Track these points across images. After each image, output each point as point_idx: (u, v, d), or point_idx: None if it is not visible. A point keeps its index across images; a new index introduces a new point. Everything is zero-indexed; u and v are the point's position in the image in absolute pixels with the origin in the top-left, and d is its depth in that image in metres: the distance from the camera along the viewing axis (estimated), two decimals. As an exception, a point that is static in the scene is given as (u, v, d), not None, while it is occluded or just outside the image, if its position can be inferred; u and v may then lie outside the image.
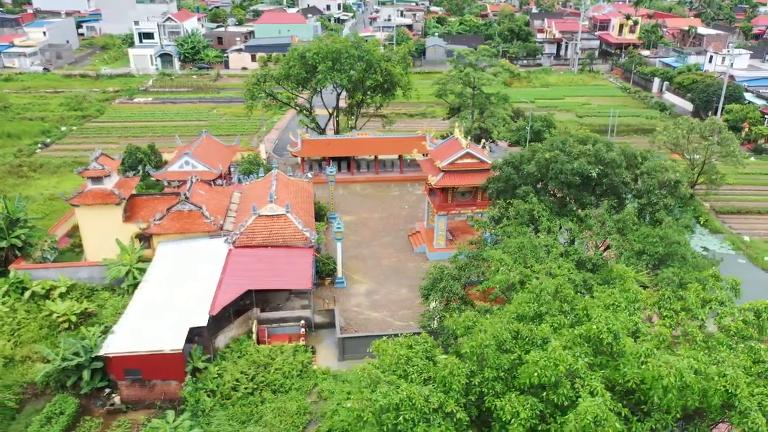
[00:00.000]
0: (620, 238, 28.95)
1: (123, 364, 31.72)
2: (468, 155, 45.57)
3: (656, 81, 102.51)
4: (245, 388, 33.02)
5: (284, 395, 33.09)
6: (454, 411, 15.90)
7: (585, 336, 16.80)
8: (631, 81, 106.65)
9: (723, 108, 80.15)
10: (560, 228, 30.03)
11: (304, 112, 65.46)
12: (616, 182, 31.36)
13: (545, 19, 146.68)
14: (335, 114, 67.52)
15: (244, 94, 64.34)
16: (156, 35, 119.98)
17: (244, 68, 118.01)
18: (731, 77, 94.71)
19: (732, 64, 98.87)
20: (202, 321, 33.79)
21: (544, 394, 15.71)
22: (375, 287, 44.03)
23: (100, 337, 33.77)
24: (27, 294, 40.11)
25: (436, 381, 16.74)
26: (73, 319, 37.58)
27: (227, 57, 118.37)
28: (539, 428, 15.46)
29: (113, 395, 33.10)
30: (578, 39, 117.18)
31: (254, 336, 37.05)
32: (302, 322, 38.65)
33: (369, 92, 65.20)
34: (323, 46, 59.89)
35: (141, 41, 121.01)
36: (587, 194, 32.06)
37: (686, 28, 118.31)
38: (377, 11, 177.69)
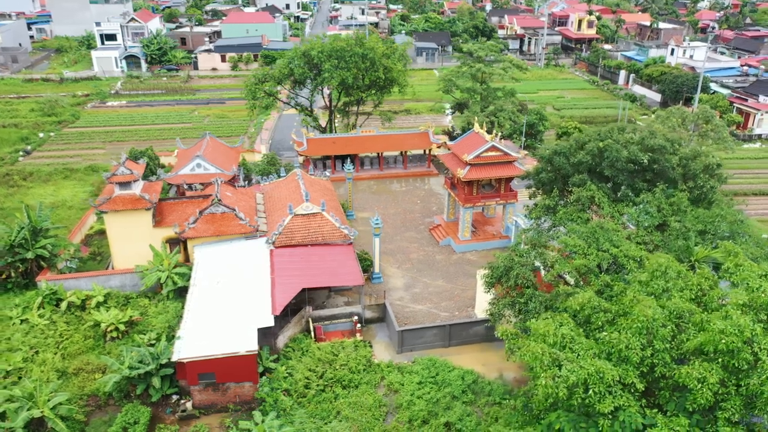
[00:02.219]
0: (679, 219, 30.79)
1: (197, 369, 31.32)
2: (493, 148, 46.85)
3: (622, 73, 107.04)
4: (317, 386, 33.23)
5: (354, 390, 33.44)
6: (634, 382, 16.97)
7: (748, 305, 18.21)
8: (598, 74, 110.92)
9: (692, 98, 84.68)
10: (620, 213, 31.68)
11: (306, 111, 65.24)
12: (667, 167, 33.29)
13: (505, 16, 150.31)
14: (331, 113, 67.56)
15: (245, 95, 63.58)
16: (119, 36, 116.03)
17: (213, 69, 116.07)
18: (692, 68, 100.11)
19: (692, 56, 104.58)
20: (269, 321, 33.77)
21: (720, 360, 16.99)
22: (411, 281, 44.70)
23: (166, 343, 33.19)
24: (64, 305, 38.81)
25: (611, 355, 17.76)
26: (122, 327, 36.66)
27: (196, 58, 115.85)
28: (719, 391, 16.72)
29: (182, 401, 32.64)
30: (544, 35, 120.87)
31: (312, 334, 37.18)
32: (355, 317, 39.01)
33: (365, 90, 65.55)
34: (327, 44, 59.98)
35: (103, 43, 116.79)
36: (638, 180, 33.85)
37: (648, 23, 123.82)
38: (336, 9, 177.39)
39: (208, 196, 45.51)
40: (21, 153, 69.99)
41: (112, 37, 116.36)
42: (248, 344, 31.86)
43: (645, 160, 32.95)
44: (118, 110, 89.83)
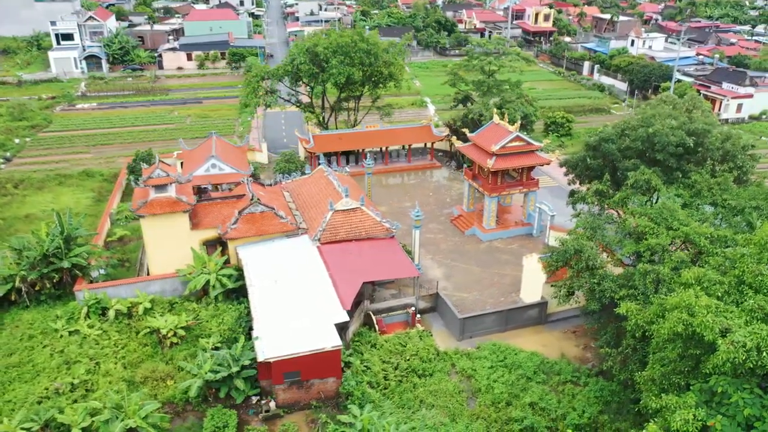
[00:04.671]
0: (732, 197, 33.04)
1: (282, 368, 31.15)
2: (518, 138, 48.31)
3: (586, 64, 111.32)
4: (394, 377, 33.75)
5: (430, 378, 34.14)
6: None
7: None
8: (564, 66, 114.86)
9: (659, 86, 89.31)
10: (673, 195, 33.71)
11: (309, 108, 64.87)
12: (711, 150, 35.56)
13: (463, 11, 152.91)
14: (333, 110, 67.45)
15: (247, 93, 62.55)
16: (76, 36, 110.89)
17: (179, 68, 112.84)
18: (652, 58, 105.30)
19: (651, 46, 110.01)
20: (343, 316, 33.93)
21: None
22: (448, 271, 45.57)
23: (243, 345, 32.83)
24: (111, 313, 37.53)
25: (764, 320, 19.28)
26: (180, 333, 35.87)
27: (160, 57, 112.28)
28: None
29: (263, 401, 32.37)
30: (508, 28, 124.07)
31: (376, 326, 37.55)
32: (412, 308, 39.59)
33: (363, 85, 65.72)
34: (332, 40, 59.89)
35: (59, 43, 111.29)
36: (684, 162, 36.00)
37: (602, 16, 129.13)
38: (290, 6, 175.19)
39: (240, 196, 44.88)
40: (1, 160, 66.37)
41: (68, 36, 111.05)
42: (332, 340, 31.96)
43: (691, 144, 35.13)
44: (91, 113, 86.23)
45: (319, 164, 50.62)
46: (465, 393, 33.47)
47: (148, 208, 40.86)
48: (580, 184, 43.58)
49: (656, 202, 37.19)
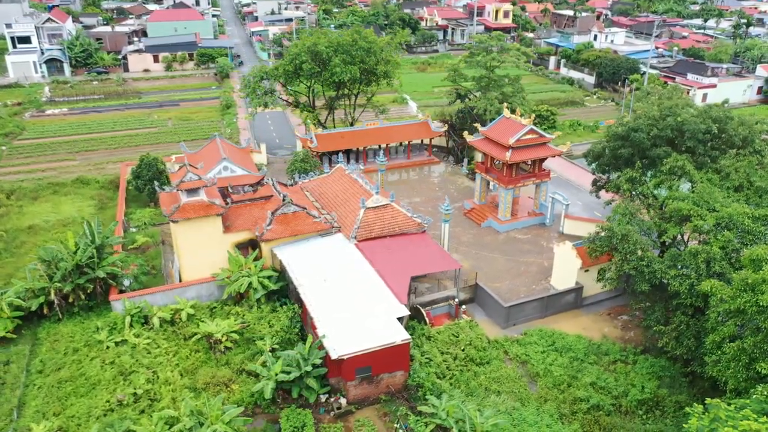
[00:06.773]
0: (759, 179, 35.40)
1: (355, 364, 31.35)
2: (531, 131, 49.87)
3: (552, 59, 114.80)
4: (455, 366, 34.48)
5: (488, 366, 35.06)
6: None
7: None
8: (530, 61, 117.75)
9: (627, 79, 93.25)
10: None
11: (308, 108, 64.62)
12: (733, 136, 37.90)
13: (424, 8, 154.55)
14: (331, 108, 67.43)
15: (248, 93, 61.74)
16: (34, 39, 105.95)
17: (146, 70, 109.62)
18: (615, 52, 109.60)
19: (613, 41, 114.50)
20: (403, 311, 34.38)
21: None
22: (475, 262, 46.58)
23: (312, 345, 32.80)
24: (156, 321, 36.72)
25: None
26: (234, 336, 35.49)
27: (125, 59, 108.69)
28: None
29: (331, 399, 32.50)
30: (474, 24, 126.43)
31: (426, 319, 38.15)
32: (455, 300, 40.40)
33: (359, 83, 65.97)
34: (333, 39, 59.88)
35: (15, 46, 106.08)
36: (708, 149, 38.23)
37: (568, 13, 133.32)
38: (247, 5, 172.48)
39: (268, 197, 44.54)
40: (-18, 171, 63.11)
41: (26, 39, 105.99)
42: (400, 334, 32.39)
43: (715, 130, 37.40)
44: (65, 119, 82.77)
45: (337, 163, 50.74)
46: (525, 378, 34.59)
47: (181, 212, 40.07)
48: (603, 173, 45.41)
49: (677, 188, 39.41)
